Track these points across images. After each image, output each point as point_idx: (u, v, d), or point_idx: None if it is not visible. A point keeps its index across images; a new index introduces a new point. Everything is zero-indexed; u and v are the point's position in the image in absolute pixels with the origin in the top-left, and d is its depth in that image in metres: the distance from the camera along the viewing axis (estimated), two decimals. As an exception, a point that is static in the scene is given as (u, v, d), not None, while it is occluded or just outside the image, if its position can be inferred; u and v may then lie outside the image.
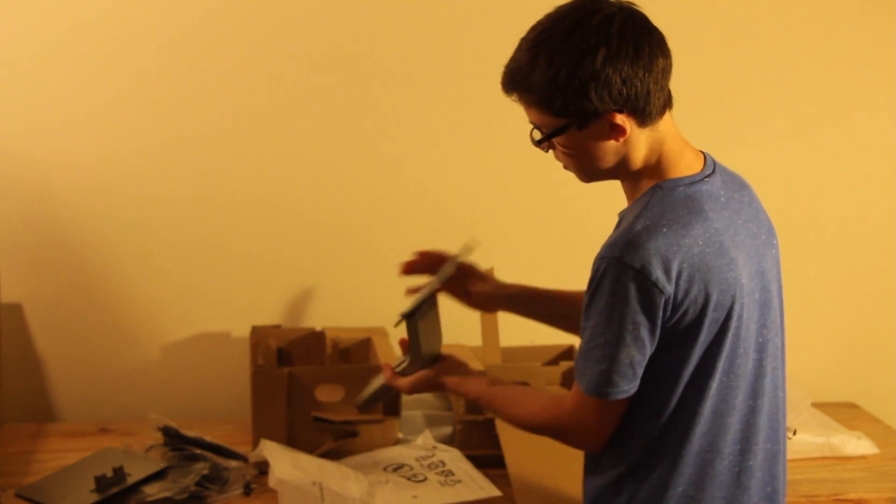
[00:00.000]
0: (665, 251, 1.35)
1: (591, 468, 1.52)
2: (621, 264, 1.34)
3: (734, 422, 1.45)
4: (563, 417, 1.46)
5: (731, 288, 1.40)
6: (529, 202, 2.44)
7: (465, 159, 2.40)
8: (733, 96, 2.42)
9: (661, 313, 1.36)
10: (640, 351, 1.37)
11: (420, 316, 1.62)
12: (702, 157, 1.49)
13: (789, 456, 2.04)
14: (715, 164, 1.49)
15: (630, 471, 1.45)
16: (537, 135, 1.46)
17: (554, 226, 2.45)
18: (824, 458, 2.10)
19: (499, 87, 2.40)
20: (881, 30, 2.45)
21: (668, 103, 1.43)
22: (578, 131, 1.40)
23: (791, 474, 1.94)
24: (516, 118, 2.37)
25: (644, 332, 1.36)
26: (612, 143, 1.41)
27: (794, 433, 2.09)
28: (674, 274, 1.35)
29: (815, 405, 2.27)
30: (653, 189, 1.42)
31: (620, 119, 1.38)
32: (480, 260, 2.22)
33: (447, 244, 2.38)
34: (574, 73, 1.35)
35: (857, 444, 2.12)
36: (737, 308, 1.40)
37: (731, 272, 1.40)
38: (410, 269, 1.73)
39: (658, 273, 1.34)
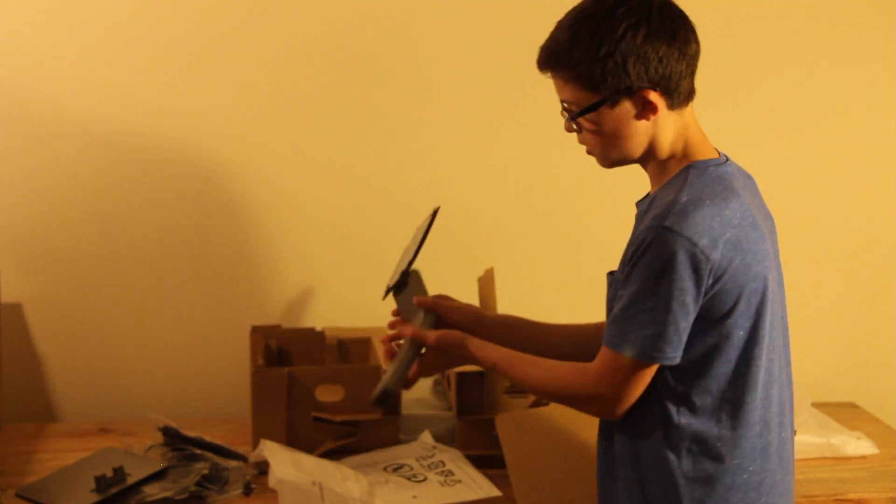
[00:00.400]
0: (710, 221, 1.39)
1: (640, 444, 1.50)
2: (670, 232, 1.37)
3: (775, 394, 1.49)
4: (588, 382, 1.46)
5: (765, 259, 1.45)
6: (532, 202, 2.44)
7: (466, 159, 2.40)
8: (733, 95, 2.42)
9: (705, 281, 1.39)
10: (685, 318, 1.39)
11: (411, 289, 1.65)
12: (713, 147, 1.55)
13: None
14: (725, 155, 1.54)
15: (688, 446, 1.46)
16: (571, 111, 1.49)
17: (556, 226, 2.45)
18: (824, 458, 2.10)
19: (501, 87, 2.43)
20: (881, 29, 2.45)
21: (692, 92, 1.49)
22: (611, 109, 1.44)
23: (791, 474, 1.94)
24: (518, 119, 2.39)
25: (689, 299, 1.39)
26: (642, 122, 1.46)
27: (794, 433, 2.09)
28: (719, 243, 1.39)
29: (815, 405, 2.27)
30: (687, 168, 1.47)
31: (654, 97, 1.43)
32: (482, 259, 2.23)
33: (448, 244, 2.40)
34: (616, 48, 1.40)
35: (857, 445, 2.12)
36: (770, 280, 1.46)
37: (763, 245, 1.45)
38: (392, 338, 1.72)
39: (704, 241, 1.38)
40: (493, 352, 1.58)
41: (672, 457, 1.46)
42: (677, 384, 1.45)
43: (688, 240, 1.37)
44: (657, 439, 1.47)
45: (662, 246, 1.37)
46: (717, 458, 1.45)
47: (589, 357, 1.52)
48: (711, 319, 1.42)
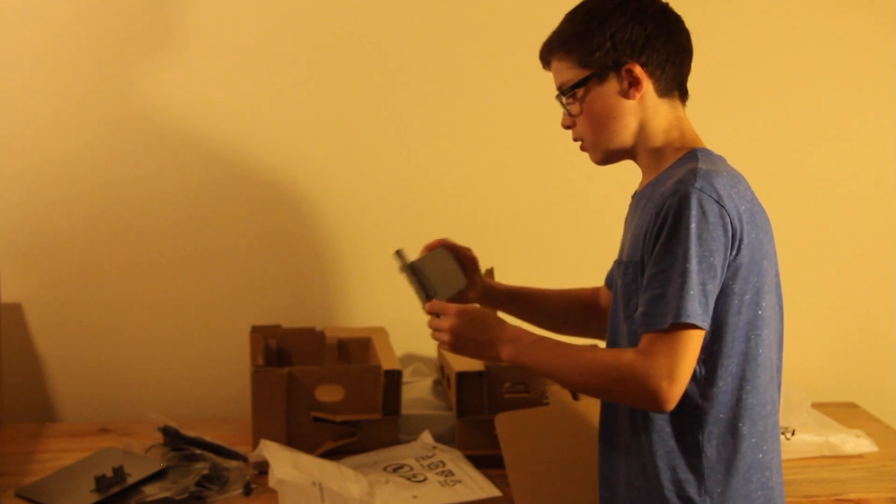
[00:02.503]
0: (730, 190, 1.42)
1: (661, 431, 1.49)
2: (700, 193, 1.39)
3: (776, 373, 1.52)
4: (637, 364, 1.40)
5: (773, 241, 1.48)
6: (532, 202, 2.44)
7: (466, 159, 2.40)
8: (732, 95, 2.43)
9: (730, 245, 1.41)
10: (711, 280, 1.39)
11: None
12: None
13: (789, 456, 2.05)
14: None
15: (710, 429, 1.46)
16: (563, 91, 1.53)
17: (556, 226, 2.45)
18: (824, 457, 2.10)
19: (502, 88, 2.43)
20: (880, 30, 2.45)
21: (684, 90, 1.54)
22: (600, 85, 1.49)
23: (791, 474, 1.95)
24: (519, 119, 2.39)
25: (718, 262, 1.39)
26: (630, 103, 1.49)
27: (794, 433, 2.09)
28: (738, 211, 1.41)
29: (815, 405, 2.27)
30: (692, 151, 1.50)
31: (639, 72, 1.48)
32: (482, 259, 2.22)
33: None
34: (605, 22, 1.48)
35: (857, 443, 2.12)
36: (774, 260, 1.49)
37: (770, 227, 1.49)
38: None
39: (730, 205, 1.40)
40: (525, 359, 1.51)
41: (698, 440, 1.46)
42: (699, 365, 1.44)
43: (716, 201, 1.39)
44: (681, 424, 1.46)
45: (694, 206, 1.38)
46: (739, 438, 1.46)
47: (590, 321, 1.68)
48: (731, 295, 1.43)
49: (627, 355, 1.42)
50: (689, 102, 1.57)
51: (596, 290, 1.82)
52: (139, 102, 2.27)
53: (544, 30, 1.57)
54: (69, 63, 2.24)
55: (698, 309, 1.38)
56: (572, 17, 1.52)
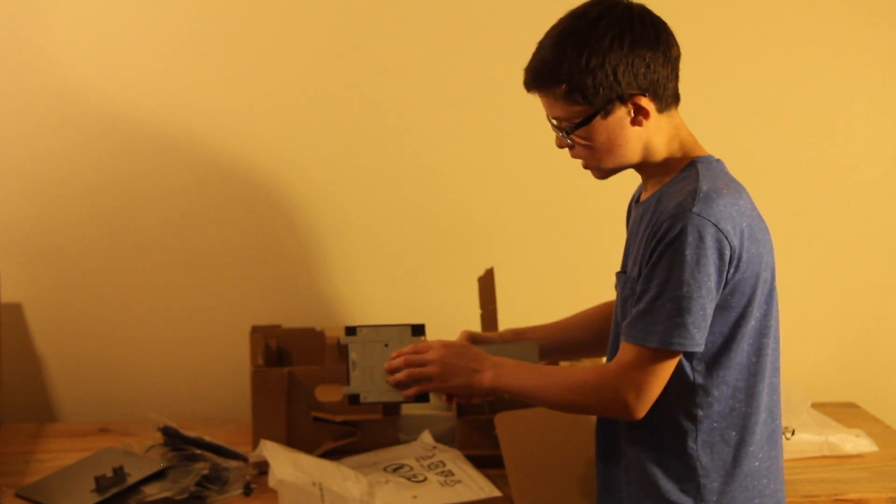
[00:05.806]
0: (730, 209, 1.42)
1: (657, 440, 1.50)
2: (698, 219, 1.39)
3: (777, 382, 1.53)
4: (610, 378, 1.45)
5: (772, 251, 1.49)
6: (532, 202, 2.44)
7: (466, 159, 2.40)
8: (731, 95, 2.42)
9: (727, 268, 1.41)
10: (711, 303, 1.41)
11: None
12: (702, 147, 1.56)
13: (789, 456, 2.05)
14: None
15: (706, 438, 1.47)
16: (563, 127, 1.49)
17: (556, 226, 2.45)
18: (824, 457, 2.10)
19: (502, 87, 2.42)
20: (879, 28, 2.45)
21: (677, 95, 1.51)
22: (604, 119, 1.46)
23: (791, 474, 1.95)
24: (518, 119, 2.39)
25: (713, 284, 1.40)
26: (636, 129, 1.47)
27: (793, 433, 2.09)
28: (738, 230, 1.41)
29: (815, 405, 2.27)
30: (693, 162, 1.49)
31: (645, 102, 1.45)
32: (482, 259, 2.23)
33: (448, 244, 2.40)
34: (605, 58, 1.42)
35: (857, 443, 2.12)
36: (773, 271, 1.49)
37: (769, 236, 1.49)
38: None
39: (728, 227, 1.40)
40: (503, 374, 1.55)
41: (691, 449, 1.47)
42: (696, 376, 1.46)
43: (714, 225, 1.39)
44: (675, 434, 1.48)
45: (691, 231, 1.39)
46: (734, 446, 1.47)
47: (606, 340, 1.61)
48: (729, 309, 1.44)
49: (599, 367, 1.49)
50: (688, 104, 1.56)
51: (609, 306, 1.77)
52: (139, 102, 2.27)
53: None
54: (68, 62, 2.23)
55: (685, 336, 1.40)
56: (562, 50, 1.44)
